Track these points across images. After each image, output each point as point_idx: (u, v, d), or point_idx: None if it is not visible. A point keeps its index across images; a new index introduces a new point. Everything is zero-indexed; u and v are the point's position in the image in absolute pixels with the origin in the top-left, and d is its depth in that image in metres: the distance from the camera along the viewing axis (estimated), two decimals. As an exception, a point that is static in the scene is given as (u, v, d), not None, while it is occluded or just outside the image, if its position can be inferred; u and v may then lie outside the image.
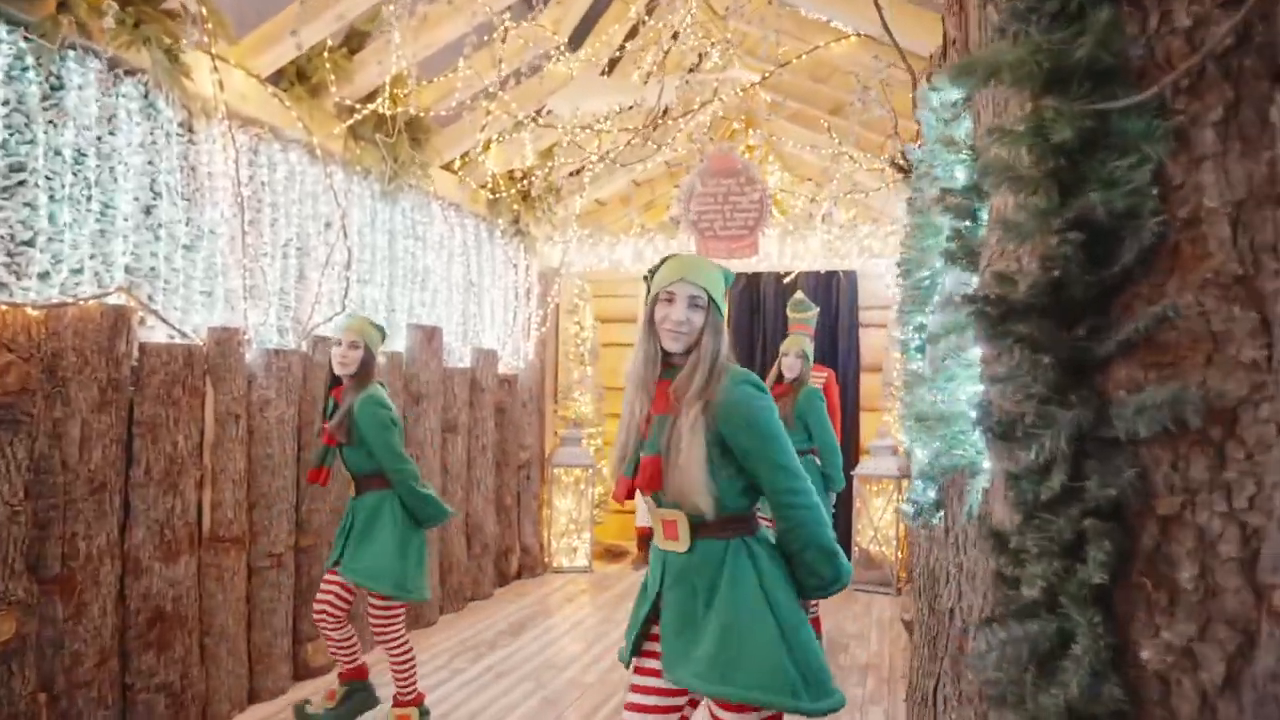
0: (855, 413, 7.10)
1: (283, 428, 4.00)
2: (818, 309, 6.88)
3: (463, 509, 5.67)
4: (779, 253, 6.70)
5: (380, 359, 4.77)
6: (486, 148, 5.56)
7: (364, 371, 3.36)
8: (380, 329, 3.48)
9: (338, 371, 3.35)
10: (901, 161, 4.36)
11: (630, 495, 2.08)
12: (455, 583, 5.56)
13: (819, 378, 6.71)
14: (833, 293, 7.20)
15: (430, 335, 5.23)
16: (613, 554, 7.41)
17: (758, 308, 7.43)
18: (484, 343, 6.22)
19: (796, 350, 4.66)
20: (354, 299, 4.61)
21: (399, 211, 5.11)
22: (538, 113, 4.97)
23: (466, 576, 5.68)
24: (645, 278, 2.19)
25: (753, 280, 7.40)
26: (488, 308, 6.29)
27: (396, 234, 5.10)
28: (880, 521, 6.34)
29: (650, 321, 2.09)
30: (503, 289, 6.54)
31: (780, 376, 4.73)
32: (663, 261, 2.15)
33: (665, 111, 5.04)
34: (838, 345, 7.18)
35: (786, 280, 7.10)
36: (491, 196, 5.94)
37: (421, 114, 4.54)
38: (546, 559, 6.86)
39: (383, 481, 3.33)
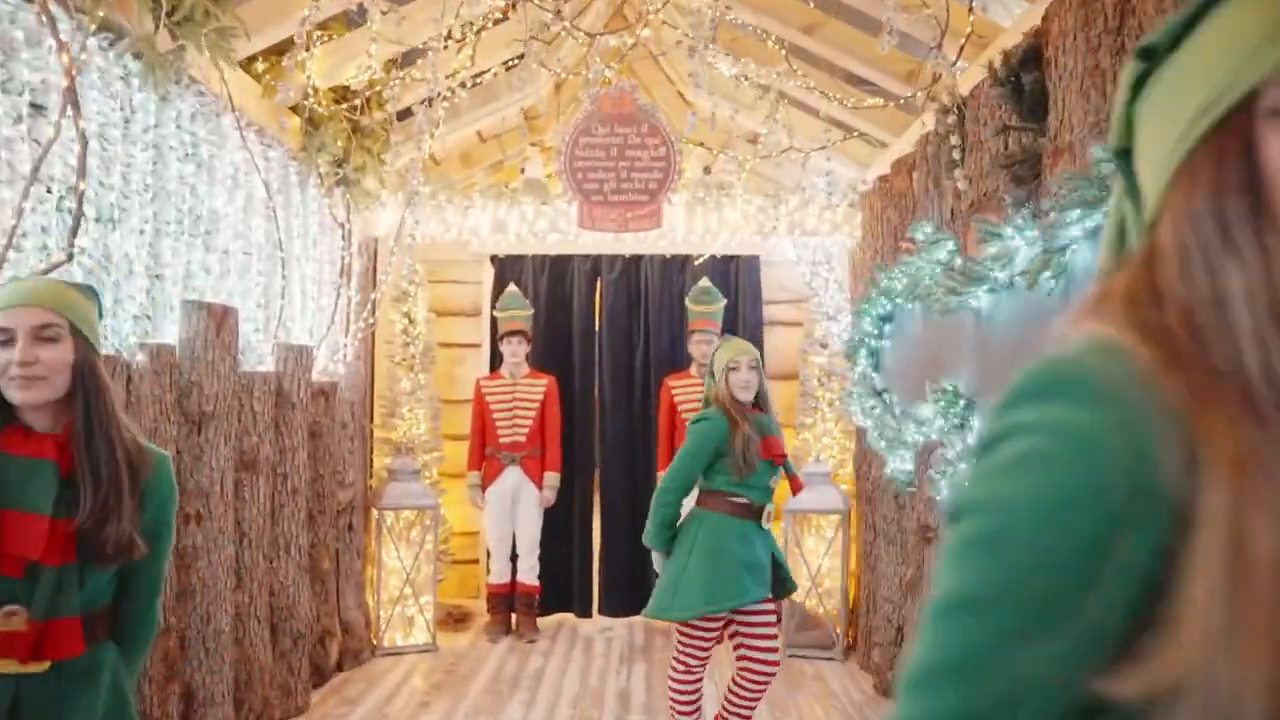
0: (761, 429, 5.76)
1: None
2: (725, 300, 5.53)
3: (266, 586, 3.74)
4: (686, 226, 5.25)
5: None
6: (309, 45, 3.67)
7: (95, 385, 1.54)
8: (95, 298, 1.65)
9: (15, 395, 1.49)
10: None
11: None
12: (259, 699, 3.61)
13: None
14: (731, 282, 5.84)
15: (220, 320, 3.29)
16: (454, 619, 5.63)
17: (638, 300, 5.93)
18: (293, 336, 4.29)
19: (750, 360, 3.29)
20: (91, 248, 2.63)
21: (172, 117, 3.13)
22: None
23: (274, 686, 3.74)
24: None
25: (631, 265, 5.91)
26: (298, 285, 4.36)
27: (167, 152, 3.12)
28: (819, 569, 5.04)
29: None
30: (317, 261, 4.62)
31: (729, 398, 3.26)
32: None
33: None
34: (739, 347, 5.82)
35: (698, 262, 5.66)
36: (313, 110, 4.04)
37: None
38: (375, 637, 4.98)
39: (105, 625, 1.59)
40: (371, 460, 5.65)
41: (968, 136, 3.39)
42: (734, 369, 3.24)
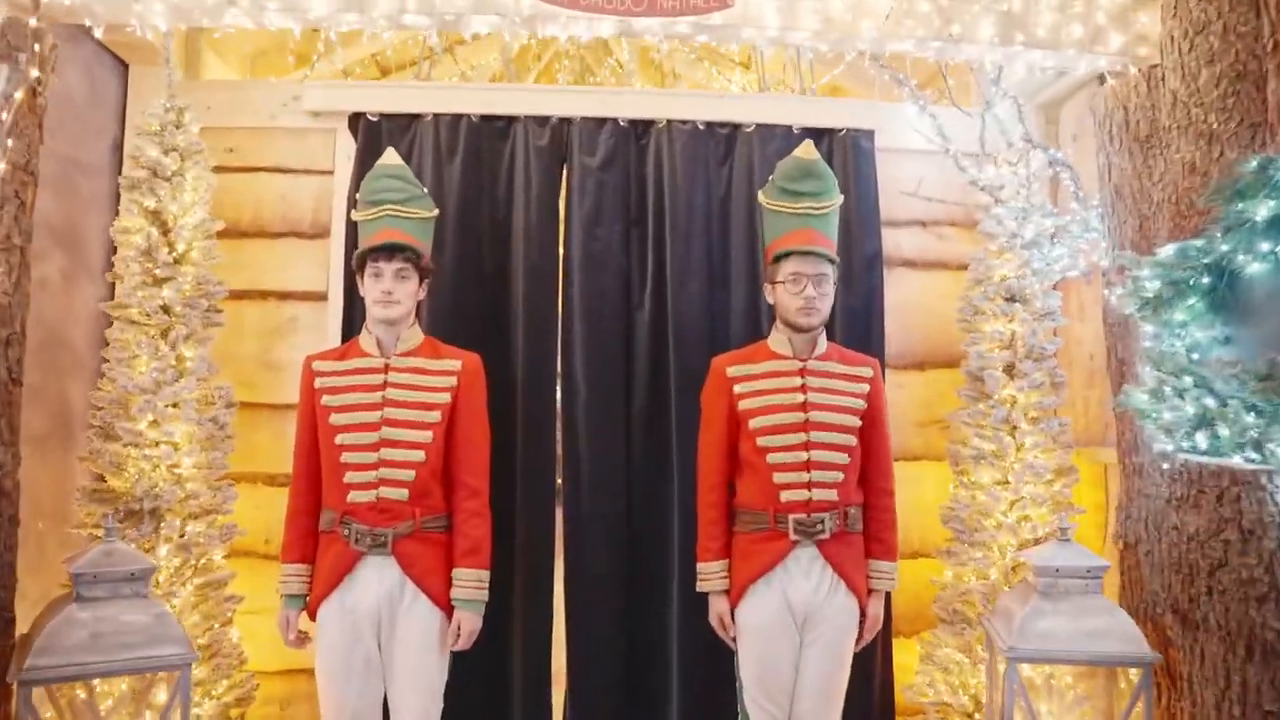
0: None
1: None
2: (841, 197, 2.65)
3: None
4: (783, 16, 2.34)
5: None
6: None
7: None
8: None
9: None
10: None
11: None
12: None
13: (860, 376, 2.54)
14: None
15: None
16: None
17: (645, 205, 3.01)
18: None
19: None
20: None
21: None
22: None
23: None
24: None
25: (627, 136, 3.00)
26: None
27: None
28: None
29: None
30: None
31: None
32: None
33: None
34: (835, 304, 2.94)
35: (799, 130, 2.75)
36: None
37: None
38: None
39: None
40: (80, 530, 2.58)
41: None
42: None
